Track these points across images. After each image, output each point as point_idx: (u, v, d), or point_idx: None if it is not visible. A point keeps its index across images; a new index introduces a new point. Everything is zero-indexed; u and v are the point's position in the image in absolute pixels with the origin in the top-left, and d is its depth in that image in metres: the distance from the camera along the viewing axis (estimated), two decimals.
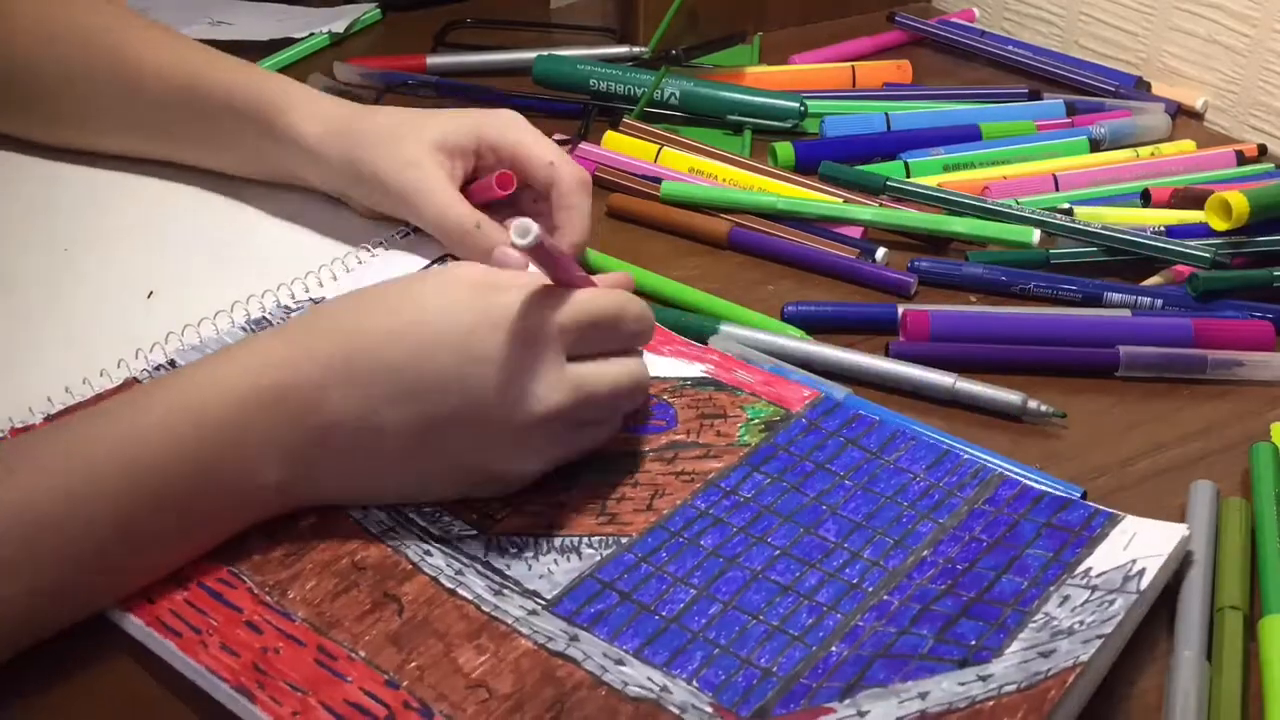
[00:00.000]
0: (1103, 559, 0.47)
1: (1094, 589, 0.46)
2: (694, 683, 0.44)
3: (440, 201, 0.62)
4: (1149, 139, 0.83)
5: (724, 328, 0.61)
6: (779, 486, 0.52)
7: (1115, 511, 0.50)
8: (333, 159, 0.64)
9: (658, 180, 0.74)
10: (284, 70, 0.90)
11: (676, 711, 0.42)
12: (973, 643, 0.44)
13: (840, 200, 0.73)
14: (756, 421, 0.55)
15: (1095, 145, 0.81)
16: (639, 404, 0.54)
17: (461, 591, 0.46)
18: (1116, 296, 0.66)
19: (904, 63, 0.93)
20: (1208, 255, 0.67)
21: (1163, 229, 0.70)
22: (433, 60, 0.90)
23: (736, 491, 0.52)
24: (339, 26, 0.95)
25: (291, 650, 0.43)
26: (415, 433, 0.47)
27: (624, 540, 0.49)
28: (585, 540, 0.49)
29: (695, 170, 0.76)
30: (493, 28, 0.96)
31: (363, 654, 0.44)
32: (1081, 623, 0.44)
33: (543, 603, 0.46)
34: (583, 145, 0.78)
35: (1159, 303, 0.65)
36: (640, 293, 0.56)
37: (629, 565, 0.48)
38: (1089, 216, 0.71)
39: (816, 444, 0.54)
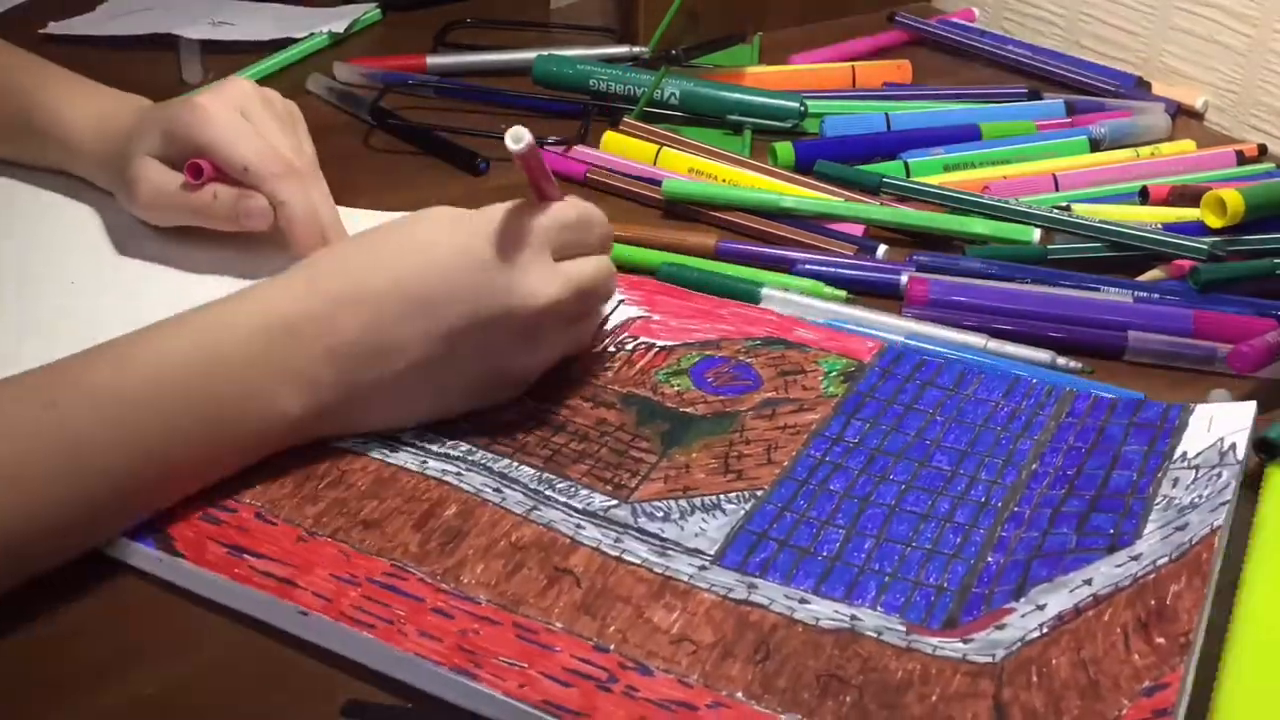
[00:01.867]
0: (1193, 443, 0.52)
1: (1196, 468, 0.51)
2: (878, 609, 0.46)
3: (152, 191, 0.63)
4: (1149, 139, 0.83)
5: (767, 290, 0.64)
6: (879, 430, 0.55)
7: (1185, 403, 0.55)
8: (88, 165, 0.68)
9: (653, 181, 0.74)
10: (284, 70, 0.90)
11: (874, 635, 0.44)
12: (1111, 531, 0.48)
13: (843, 199, 0.73)
14: (835, 374, 0.58)
15: (1095, 145, 0.81)
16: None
17: (627, 557, 0.47)
18: (1114, 291, 0.66)
19: (904, 63, 0.93)
20: (1205, 248, 0.67)
21: (1159, 227, 0.70)
22: (433, 60, 0.90)
23: (843, 438, 0.54)
24: (339, 26, 0.95)
25: (490, 630, 0.44)
26: (429, 346, 0.50)
27: (759, 493, 0.51)
28: (724, 498, 0.51)
29: (695, 170, 0.76)
30: (493, 28, 0.97)
31: (559, 625, 0.44)
32: (1200, 496, 0.48)
33: (708, 558, 0.48)
34: (577, 148, 0.78)
35: (1155, 297, 0.65)
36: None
37: (773, 516, 0.50)
38: (1086, 214, 0.71)
39: (897, 388, 0.57)
